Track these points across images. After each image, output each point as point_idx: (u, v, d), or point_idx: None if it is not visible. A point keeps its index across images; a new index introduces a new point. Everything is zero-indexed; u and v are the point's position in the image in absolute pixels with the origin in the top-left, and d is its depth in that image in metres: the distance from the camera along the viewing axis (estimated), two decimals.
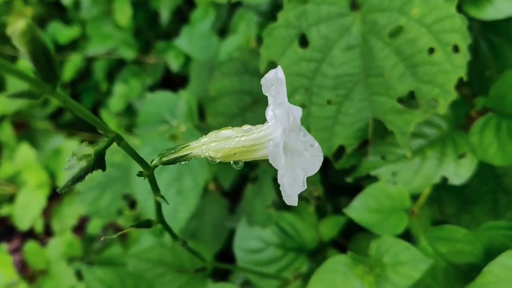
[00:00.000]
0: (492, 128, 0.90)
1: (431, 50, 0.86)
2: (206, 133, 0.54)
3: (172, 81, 1.85)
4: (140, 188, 1.12)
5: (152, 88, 1.79)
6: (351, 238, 1.28)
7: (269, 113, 0.53)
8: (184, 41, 1.40)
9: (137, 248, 1.39)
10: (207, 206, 1.47)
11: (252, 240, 1.13)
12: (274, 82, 0.52)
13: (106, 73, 1.92)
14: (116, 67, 1.92)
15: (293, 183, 0.50)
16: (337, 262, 0.85)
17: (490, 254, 0.85)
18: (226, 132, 0.53)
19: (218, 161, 0.53)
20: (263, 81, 0.53)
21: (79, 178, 0.43)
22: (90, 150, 0.43)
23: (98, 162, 0.44)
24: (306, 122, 0.95)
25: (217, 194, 1.49)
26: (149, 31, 1.87)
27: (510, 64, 1.08)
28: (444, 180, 0.93)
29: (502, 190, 1.01)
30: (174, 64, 1.64)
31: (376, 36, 0.91)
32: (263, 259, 1.11)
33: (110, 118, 1.75)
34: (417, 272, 0.77)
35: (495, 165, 0.88)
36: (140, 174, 0.53)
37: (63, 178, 0.44)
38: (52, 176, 1.76)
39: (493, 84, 0.95)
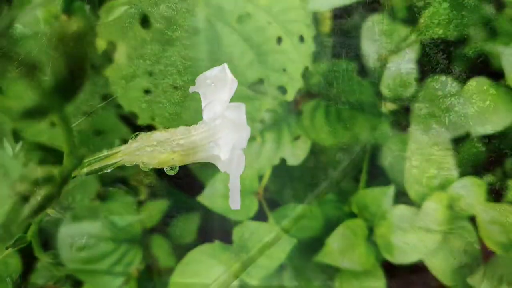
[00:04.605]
0: (322, 113, 0.99)
1: (279, 39, 0.90)
2: (135, 136, 0.46)
3: None
4: None
5: None
6: (169, 223, 1.27)
7: (207, 112, 0.48)
8: None
9: None
10: None
11: (79, 237, 1.02)
12: (215, 80, 0.47)
13: None
14: None
15: (239, 186, 0.48)
16: (200, 252, 0.84)
17: (328, 226, 0.95)
18: (160, 134, 0.47)
19: (151, 167, 0.47)
20: (201, 77, 0.48)
21: (41, 208, 0.32)
22: (50, 171, 0.33)
23: (63, 186, 0.34)
24: (151, 109, 0.89)
25: None
26: None
27: None
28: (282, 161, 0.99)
29: (319, 165, 1.12)
30: None
31: (223, 21, 0.90)
32: (93, 255, 1.01)
33: None
34: (283, 252, 0.82)
35: (327, 145, 0.98)
36: None
37: None
38: None
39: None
